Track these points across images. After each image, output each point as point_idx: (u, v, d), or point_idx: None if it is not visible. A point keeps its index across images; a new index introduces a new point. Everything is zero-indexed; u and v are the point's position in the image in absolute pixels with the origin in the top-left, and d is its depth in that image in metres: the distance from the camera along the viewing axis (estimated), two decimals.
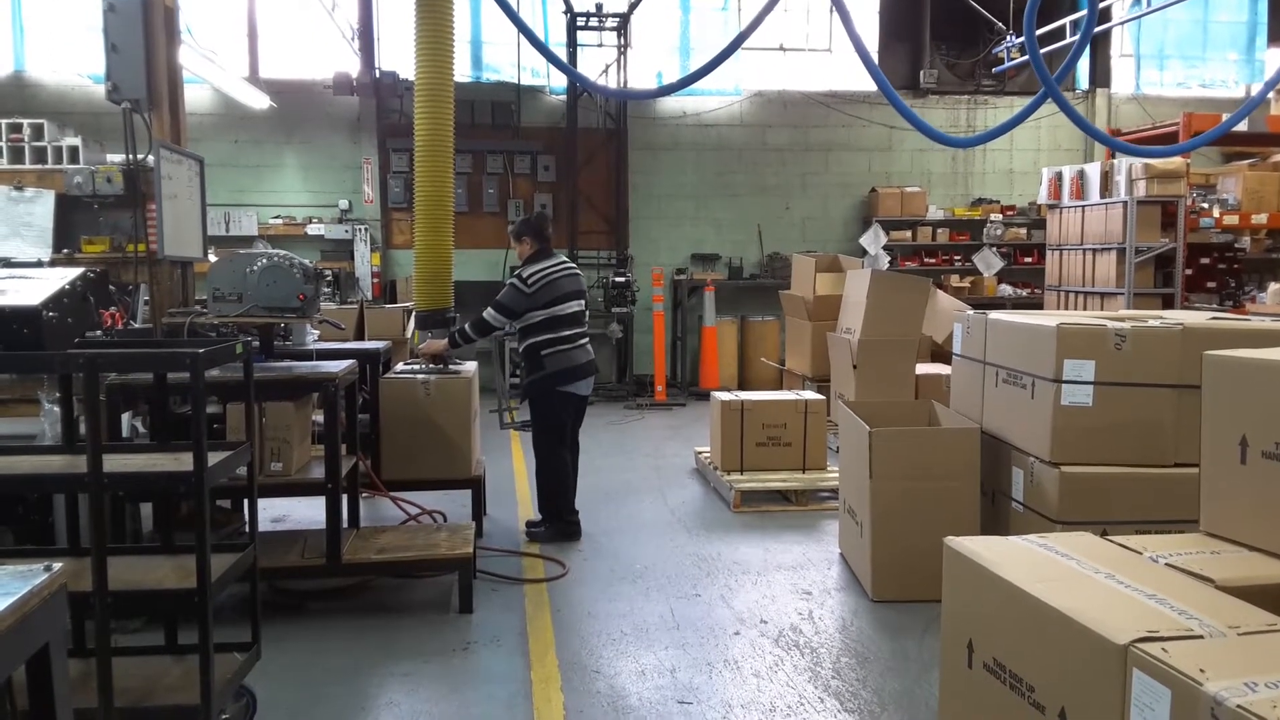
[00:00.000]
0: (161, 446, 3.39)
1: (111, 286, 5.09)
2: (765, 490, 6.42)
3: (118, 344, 4.02)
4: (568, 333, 5.50)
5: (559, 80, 11.93)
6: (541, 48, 6.29)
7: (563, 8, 11.47)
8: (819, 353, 8.97)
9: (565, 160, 11.82)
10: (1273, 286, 8.37)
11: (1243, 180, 10.02)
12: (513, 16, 6.12)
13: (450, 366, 5.60)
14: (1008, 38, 11.71)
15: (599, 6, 11.57)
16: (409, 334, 9.82)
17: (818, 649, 4.02)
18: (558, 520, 5.59)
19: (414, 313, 5.47)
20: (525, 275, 5.43)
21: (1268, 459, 2.42)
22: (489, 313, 5.43)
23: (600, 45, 11.76)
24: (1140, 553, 2.44)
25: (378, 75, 11.22)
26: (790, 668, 3.83)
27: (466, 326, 5.47)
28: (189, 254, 5.28)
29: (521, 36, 11.58)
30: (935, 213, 12.51)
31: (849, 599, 4.62)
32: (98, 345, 3.64)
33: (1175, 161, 8.99)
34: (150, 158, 4.93)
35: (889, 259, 12.21)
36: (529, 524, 5.69)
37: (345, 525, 4.53)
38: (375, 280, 11.58)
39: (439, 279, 5.80)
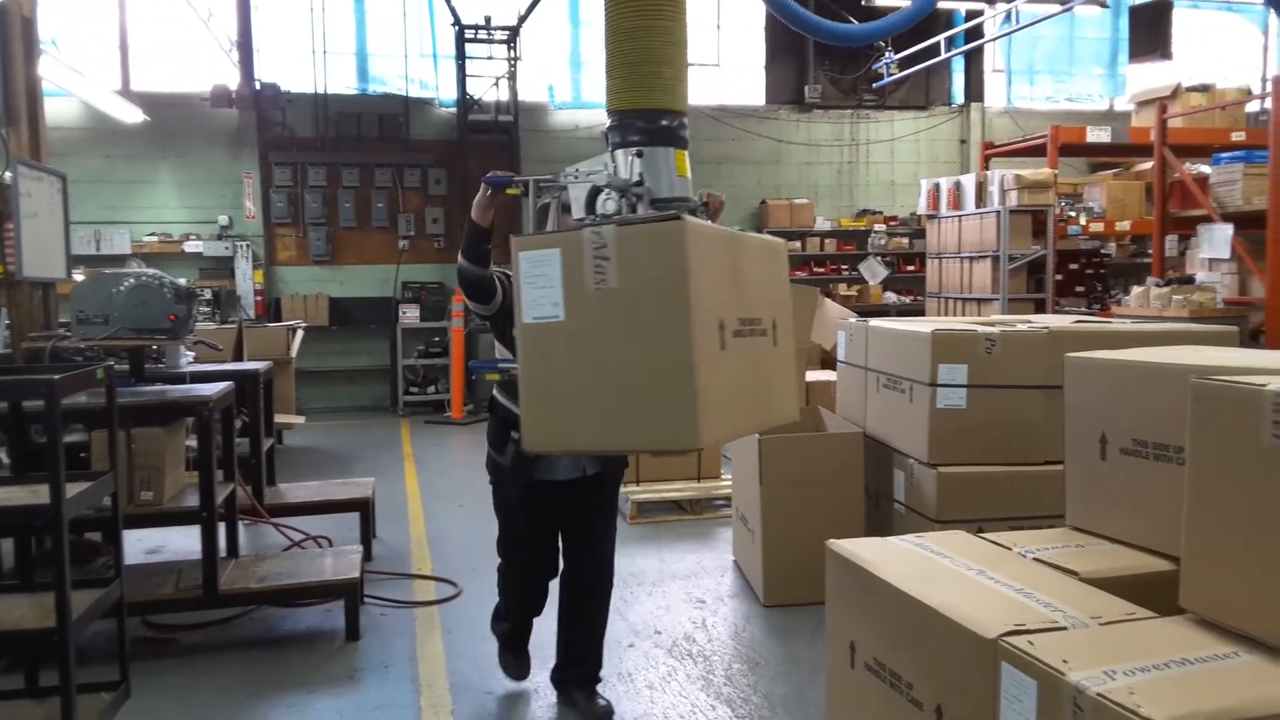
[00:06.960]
0: (17, 479, 3.20)
1: None
2: (661, 500, 6.43)
3: None
4: None
5: (449, 92, 11.78)
6: None
7: (450, 20, 11.34)
8: None
9: (457, 173, 11.66)
10: (1136, 290, 8.82)
11: (1107, 189, 10.54)
12: None
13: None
14: (886, 55, 12.11)
15: (488, 19, 11.49)
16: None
17: (710, 657, 4.04)
18: None
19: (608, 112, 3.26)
20: None
21: (1126, 455, 2.53)
22: None
23: (490, 58, 11.67)
24: (1010, 548, 2.52)
25: (258, 87, 10.90)
26: (683, 677, 3.84)
27: None
28: (51, 274, 5.03)
29: (409, 47, 11.60)
30: (823, 223, 12.81)
31: (741, 605, 4.66)
32: None
33: (1045, 173, 9.43)
34: (7, 175, 4.69)
35: None
36: None
37: (224, 554, 4.37)
38: (258, 298, 11.23)
39: (651, 57, 2.97)
